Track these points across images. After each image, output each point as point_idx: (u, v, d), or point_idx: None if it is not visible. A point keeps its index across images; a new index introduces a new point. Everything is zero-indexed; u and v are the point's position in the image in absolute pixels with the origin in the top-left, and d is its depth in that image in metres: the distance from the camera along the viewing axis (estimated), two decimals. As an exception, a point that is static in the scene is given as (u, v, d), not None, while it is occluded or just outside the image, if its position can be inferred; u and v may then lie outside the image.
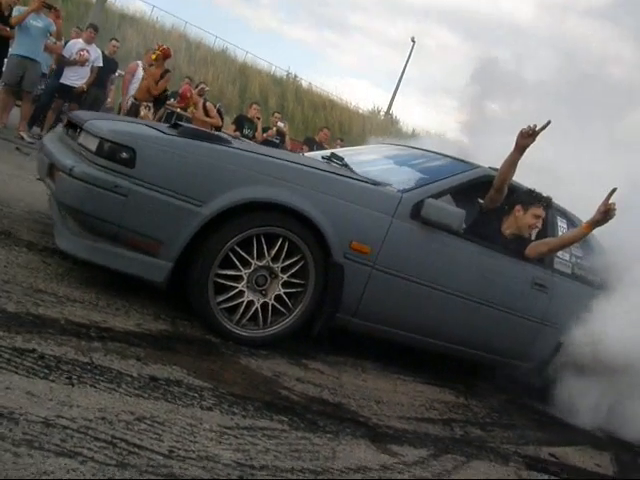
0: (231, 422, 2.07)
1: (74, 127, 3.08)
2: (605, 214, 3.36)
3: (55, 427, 1.62)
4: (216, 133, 3.35)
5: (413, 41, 33.03)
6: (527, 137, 3.20)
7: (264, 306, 2.87)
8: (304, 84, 27.87)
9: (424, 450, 2.52)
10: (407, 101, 53.31)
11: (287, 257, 2.85)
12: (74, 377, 1.93)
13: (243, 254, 2.77)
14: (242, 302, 2.82)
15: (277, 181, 2.79)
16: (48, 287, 2.58)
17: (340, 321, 3.10)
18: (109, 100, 9.72)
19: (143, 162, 2.59)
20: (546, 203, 3.61)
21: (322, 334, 3.07)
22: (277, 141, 9.32)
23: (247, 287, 2.82)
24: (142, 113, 7.44)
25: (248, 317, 2.84)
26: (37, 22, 7.07)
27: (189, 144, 2.69)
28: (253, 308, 2.84)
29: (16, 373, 1.81)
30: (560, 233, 3.83)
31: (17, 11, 6.96)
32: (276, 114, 10.50)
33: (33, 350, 1.99)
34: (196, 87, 8.89)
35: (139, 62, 8.81)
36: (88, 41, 8.03)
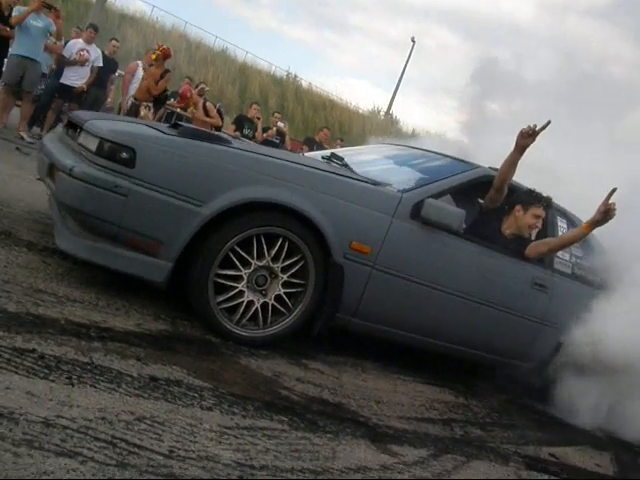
0: (231, 422, 2.07)
1: (74, 127, 3.08)
2: (605, 214, 3.36)
3: (55, 427, 1.62)
4: (216, 133, 3.35)
5: (413, 41, 33.07)
6: (527, 137, 3.20)
7: (264, 306, 2.87)
8: (304, 84, 27.89)
9: (424, 450, 2.52)
10: (407, 101, 53.37)
11: (287, 257, 2.85)
12: (74, 377, 1.93)
13: (243, 254, 2.77)
14: (242, 302, 2.82)
15: (277, 181, 2.79)
16: (48, 287, 2.58)
17: (340, 321, 3.10)
18: (109, 100, 9.72)
19: (143, 162, 2.59)
20: (546, 203, 3.61)
21: (322, 334, 3.07)
22: (277, 141, 9.32)
23: (247, 287, 2.82)
24: (142, 113, 7.44)
25: (248, 317, 2.84)
26: (37, 22, 7.07)
27: (189, 144, 2.69)
28: (253, 308, 2.84)
29: (16, 373, 1.81)
30: (560, 233, 3.83)
31: (17, 11, 6.96)
32: (276, 114, 10.51)
33: (33, 350, 1.99)
34: (196, 87, 8.89)
35: (139, 62, 8.81)
36: (88, 41, 8.03)
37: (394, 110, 34.39)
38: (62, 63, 7.89)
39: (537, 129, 3.17)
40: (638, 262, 3.57)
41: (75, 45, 7.96)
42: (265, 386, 2.50)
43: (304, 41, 65.25)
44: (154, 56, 7.68)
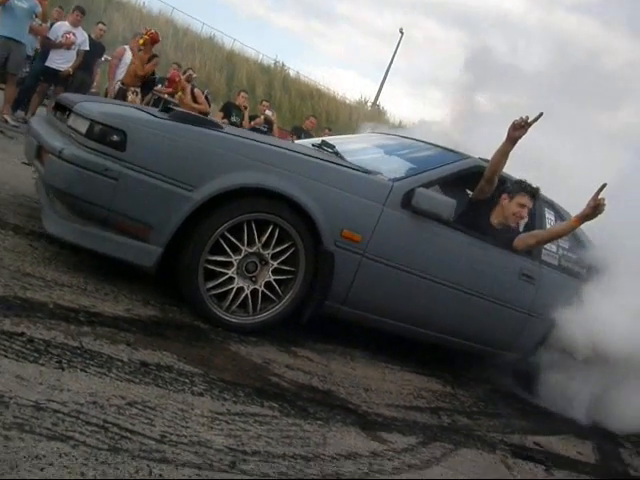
0: (222, 408, 2.07)
1: (63, 109, 3.03)
2: (594, 209, 3.38)
3: (46, 411, 1.60)
4: (208, 118, 3.32)
5: (401, 32, 32.88)
6: (519, 128, 3.21)
7: (254, 293, 2.85)
8: (291, 73, 27.71)
9: (413, 438, 2.53)
10: (395, 92, 53.20)
11: (277, 244, 2.83)
12: (64, 361, 1.91)
13: (234, 240, 2.75)
14: (232, 289, 2.81)
15: (269, 167, 2.77)
16: (36, 271, 2.54)
17: (329, 309, 3.10)
18: (94, 84, 9.58)
19: (134, 145, 2.55)
20: (532, 193, 3.61)
21: (311, 321, 3.06)
22: (265, 129, 9.24)
23: (237, 273, 2.81)
24: (129, 98, 7.34)
25: (238, 304, 2.83)
26: (22, 3, 6.92)
27: (181, 128, 2.66)
28: (243, 295, 2.83)
29: (5, 357, 1.79)
30: (548, 225, 3.85)
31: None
32: (264, 102, 10.43)
33: (22, 334, 1.96)
34: (184, 73, 8.80)
35: (126, 47, 8.68)
36: (74, 24, 7.89)
37: (381, 101, 34.38)
38: (47, 46, 7.75)
39: (529, 121, 3.18)
40: (627, 252, 3.59)
41: (61, 28, 7.82)
42: (255, 373, 2.49)
43: (291, 30, 64.75)
44: (142, 41, 7.57)
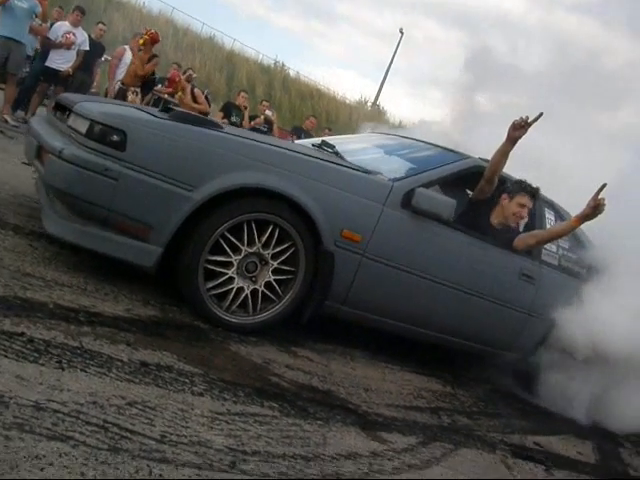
0: (222, 408, 2.07)
1: (63, 109, 3.03)
2: (594, 209, 3.38)
3: (46, 411, 1.60)
4: (208, 118, 3.32)
5: (401, 32, 32.84)
6: (519, 128, 3.20)
7: (254, 293, 2.85)
8: (291, 73, 27.71)
9: (413, 438, 2.53)
10: (395, 92, 53.16)
11: (277, 244, 2.83)
12: (64, 361, 1.91)
13: (234, 240, 2.75)
14: (232, 289, 2.81)
15: (269, 167, 2.77)
16: (36, 271, 2.54)
17: (329, 309, 3.10)
18: (94, 85, 9.58)
19: (134, 145, 2.55)
20: (532, 193, 3.61)
21: (311, 321, 3.06)
22: (265, 129, 9.24)
23: (237, 273, 2.81)
24: (129, 98, 7.34)
25: (238, 304, 2.83)
26: (22, 3, 6.92)
27: (181, 128, 2.66)
28: (243, 295, 2.83)
29: (5, 357, 1.79)
30: (548, 225, 3.85)
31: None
32: (264, 102, 10.42)
33: (22, 334, 1.96)
34: (184, 73, 8.79)
35: (126, 47, 8.67)
36: (74, 24, 7.89)
37: (381, 101, 34.36)
38: (47, 46, 7.75)
39: (529, 121, 3.18)
40: (627, 252, 3.59)
41: (61, 28, 7.82)
42: (255, 373, 2.49)
43: (291, 30, 64.73)
44: (142, 41, 7.57)
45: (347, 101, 29.15)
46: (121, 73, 8.07)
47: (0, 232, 2.84)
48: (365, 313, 3.22)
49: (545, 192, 3.81)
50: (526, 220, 3.81)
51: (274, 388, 2.42)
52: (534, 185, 3.61)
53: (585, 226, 3.62)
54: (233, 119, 8.78)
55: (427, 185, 3.24)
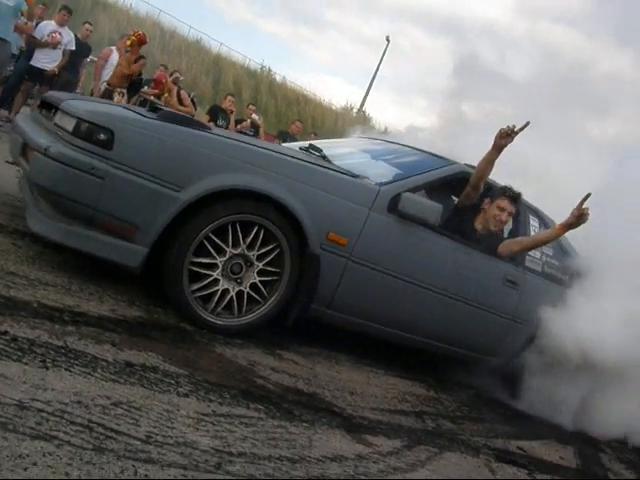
0: (208, 409, 2.05)
1: (49, 107, 3.01)
2: (578, 218, 3.42)
3: (30, 410, 1.58)
4: (196, 119, 3.31)
5: (388, 40, 32.97)
6: (505, 137, 3.24)
7: (239, 294, 2.84)
8: (278, 78, 27.76)
9: (398, 441, 2.54)
10: (381, 99, 53.54)
11: (262, 245, 2.82)
12: (48, 360, 1.89)
13: (218, 242, 2.74)
14: (217, 290, 2.79)
15: (256, 169, 2.76)
16: (19, 270, 2.51)
17: (315, 312, 3.10)
18: (79, 85, 9.49)
19: (121, 144, 2.54)
20: (512, 197, 3.62)
21: (296, 325, 3.06)
22: (251, 133, 9.24)
23: (222, 275, 2.80)
24: (115, 99, 7.31)
25: (223, 305, 2.82)
26: (7, 0, 6.85)
27: (169, 128, 2.65)
28: (228, 296, 2.82)
29: (-12, 355, 1.76)
30: (532, 232, 3.89)
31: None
32: (251, 106, 10.42)
33: (5, 332, 1.94)
34: (170, 75, 8.77)
35: (113, 48, 8.62)
36: (61, 23, 7.82)
37: (367, 108, 34.52)
38: (33, 44, 7.67)
39: (516, 129, 3.21)
40: (609, 259, 3.64)
41: (47, 27, 7.75)
42: (240, 375, 2.48)
43: (279, 35, 64.96)
44: (129, 42, 7.55)
45: (333, 107, 29.29)
46: (107, 74, 8.02)
47: (-17, 230, 2.81)
48: (350, 317, 3.22)
49: (530, 200, 3.84)
50: (508, 225, 3.84)
51: (260, 390, 2.41)
52: (516, 190, 3.64)
53: (569, 234, 3.66)
54: (219, 122, 8.75)
55: (413, 190, 3.25)
